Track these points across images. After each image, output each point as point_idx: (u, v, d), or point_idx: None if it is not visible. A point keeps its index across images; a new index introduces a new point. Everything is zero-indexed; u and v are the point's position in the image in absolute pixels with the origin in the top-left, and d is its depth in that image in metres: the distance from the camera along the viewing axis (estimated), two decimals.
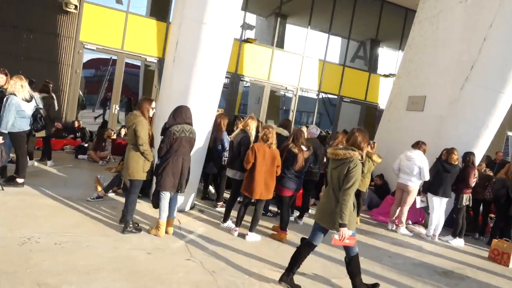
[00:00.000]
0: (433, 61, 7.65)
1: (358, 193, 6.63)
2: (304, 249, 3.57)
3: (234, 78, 11.44)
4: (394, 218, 6.56)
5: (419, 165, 6.22)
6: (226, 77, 11.67)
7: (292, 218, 5.80)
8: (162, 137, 4.27)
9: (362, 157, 3.32)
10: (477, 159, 6.81)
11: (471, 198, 6.21)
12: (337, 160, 3.34)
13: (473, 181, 6.13)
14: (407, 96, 8.09)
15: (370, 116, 13.64)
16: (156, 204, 4.42)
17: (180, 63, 5.11)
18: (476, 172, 6.22)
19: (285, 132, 5.99)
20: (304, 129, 5.94)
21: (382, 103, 13.00)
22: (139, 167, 4.17)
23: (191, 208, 5.71)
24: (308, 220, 6.01)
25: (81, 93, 10.52)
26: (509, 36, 6.30)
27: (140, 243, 4.05)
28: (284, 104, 15.92)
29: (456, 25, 7.23)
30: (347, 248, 3.48)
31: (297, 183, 5.03)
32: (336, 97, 13.00)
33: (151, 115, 4.32)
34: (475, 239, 6.84)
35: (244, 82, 11.91)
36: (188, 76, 5.03)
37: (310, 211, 6.40)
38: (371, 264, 4.63)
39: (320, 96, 12.91)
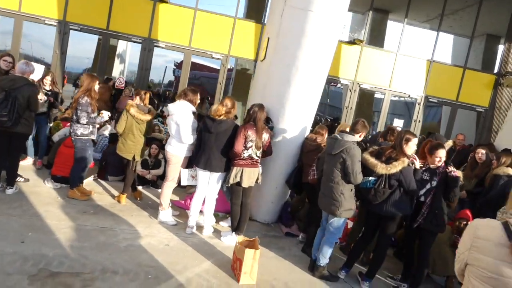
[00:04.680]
0: None
1: (127, 162, 4.90)
2: None
3: (147, 44, 10.08)
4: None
5: (176, 121, 4.20)
6: (137, 43, 10.38)
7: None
8: None
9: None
10: (292, 117, 4.47)
11: (243, 174, 3.94)
12: None
13: (242, 146, 3.87)
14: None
15: None
16: None
17: None
18: (254, 134, 3.90)
19: None
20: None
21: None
22: None
23: None
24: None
25: None
26: None
27: None
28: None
29: None
30: None
31: None
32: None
33: None
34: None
35: (161, 49, 10.40)
36: None
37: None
38: None
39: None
